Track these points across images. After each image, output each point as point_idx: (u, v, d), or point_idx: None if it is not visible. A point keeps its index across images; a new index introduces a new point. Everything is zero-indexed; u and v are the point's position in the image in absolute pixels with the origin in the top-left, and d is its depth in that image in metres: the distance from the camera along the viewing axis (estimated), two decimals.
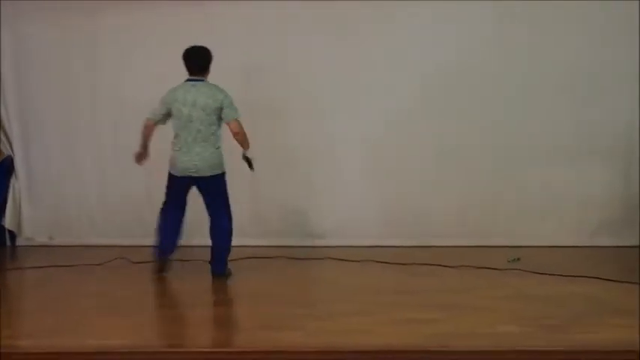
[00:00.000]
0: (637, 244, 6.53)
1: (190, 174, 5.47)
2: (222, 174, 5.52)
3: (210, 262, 5.62)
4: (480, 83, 6.71)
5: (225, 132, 5.57)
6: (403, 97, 6.79)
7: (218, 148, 5.48)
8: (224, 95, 5.43)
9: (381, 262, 6.02)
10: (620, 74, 6.62)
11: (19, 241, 7.19)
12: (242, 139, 5.39)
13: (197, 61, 5.55)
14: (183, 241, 6.91)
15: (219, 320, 4.52)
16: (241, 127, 5.39)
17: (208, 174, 5.44)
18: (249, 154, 5.42)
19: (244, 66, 6.76)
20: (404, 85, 6.78)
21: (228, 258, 5.62)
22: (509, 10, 6.65)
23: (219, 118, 5.43)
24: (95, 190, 7.16)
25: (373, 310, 4.52)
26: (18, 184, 7.20)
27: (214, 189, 5.50)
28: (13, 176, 7.18)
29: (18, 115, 7.16)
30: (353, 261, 6.10)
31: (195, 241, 6.71)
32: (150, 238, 6.96)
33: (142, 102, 7.01)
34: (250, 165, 5.45)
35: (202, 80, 5.53)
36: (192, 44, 5.65)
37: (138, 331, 4.15)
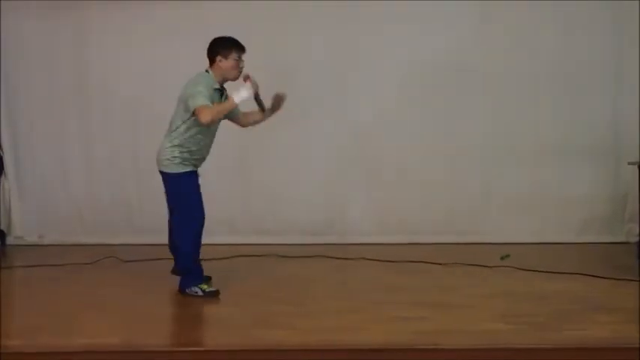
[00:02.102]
0: (623, 240, 6.60)
1: None
2: (167, 174, 4.93)
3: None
4: (466, 83, 6.77)
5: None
6: (390, 96, 6.83)
7: (173, 145, 4.88)
8: (192, 84, 4.82)
9: (371, 260, 6.05)
10: (603, 73, 6.69)
11: (9, 240, 7.17)
12: (214, 116, 4.73)
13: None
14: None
15: (209, 319, 4.53)
16: (207, 111, 4.68)
17: (158, 168, 4.98)
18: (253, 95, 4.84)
19: None
20: (391, 84, 6.82)
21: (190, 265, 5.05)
22: (493, 10, 6.70)
23: (187, 112, 4.81)
24: (84, 188, 7.16)
25: (363, 308, 4.54)
26: (7, 184, 7.19)
27: (164, 184, 5.01)
28: (3, 175, 7.16)
29: (7, 114, 7.14)
30: (344, 259, 6.13)
31: None
32: (139, 236, 6.98)
33: (132, 101, 7.05)
34: (260, 104, 4.99)
35: (206, 70, 4.97)
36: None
37: (128, 330, 4.15)
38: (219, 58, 4.85)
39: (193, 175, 5.00)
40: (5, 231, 7.17)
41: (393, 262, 5.96)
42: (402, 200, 6.88)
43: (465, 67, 6.73)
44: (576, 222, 6.74)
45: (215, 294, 4.90)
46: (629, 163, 5.99)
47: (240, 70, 4.88)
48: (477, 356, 3.72)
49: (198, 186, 5.04)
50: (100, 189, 7.15)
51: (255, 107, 5.10)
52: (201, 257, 6.01)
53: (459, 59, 6.72)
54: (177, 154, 4.88)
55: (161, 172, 4.95)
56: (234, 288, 5.23)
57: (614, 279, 5.18)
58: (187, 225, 5.00)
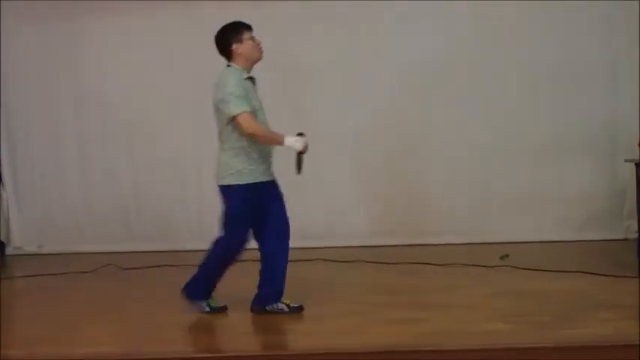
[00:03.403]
0: (623, 237, 6.60)
1: None
2: (226, 187, 4.43)
3: None
4: (464, 83, 6.76)
5: None
6: (387, 96, 6.83)
7: (233, 154, 4.41)
8: (221, 86, 4.41)
9: (371, 262, 6.04)
10: (600, 72, 6.70)
11: (8, 251, 7.18)
12: (257, 132, 4.31)
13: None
14: (173, 245, 6.95)
15: (209, 325, 4.52)
16: (246, 124, 4.29)
17: (217, 183, 4.53)
18: (299, 150, 4.38)
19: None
20: (390, 85, 6.82)
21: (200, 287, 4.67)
22: (487, 9, 6.70)
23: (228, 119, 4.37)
24: (83, 197, 7.16)
25: (363, 311, 4.54)
26: (6, 194, 7.19)
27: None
28: (1, 186, 7.16)
29: (4, 125, 7.15)
30: (343, 261, 6.12)
31: (187, 246, 6.73)
32: (138, 244, 6.98)
33: (128, 109, 7.05)
34: (299, 166, 4.44)
35: (229, 65, 4.51)
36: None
37: (129, 339, 4.15)
38: (234, 46, 4.44)
39: (252, 188, 4.42)
40: (4, 241, 7.16)
41: (392, 263, 5.95)
42: (401, 201, 6.87)
43: (464, 68, 6.73)
44: (575, 220, 6.74)
45: (223, 309, 4.66)
46: (627, 161, 5.99)
47: (259, 46, 4.50)
48: (478, 357, 3.71)
49: (252, 208, 4.45)
50: (98, 198, 7.15)
51: None
52: (197, 263, 6.02)
53: (458, 60, 6.72)
54: (233, 163, 4.40)
55: (219, 187, 4.49)
56: (233, 293, 5.22)
57: (614, 276, 5.18)
58: (223, 246, 4.52)
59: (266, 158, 4.49)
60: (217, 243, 4.54)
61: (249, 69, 4.49)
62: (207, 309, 4.62)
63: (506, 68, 6.75)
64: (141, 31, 6.93)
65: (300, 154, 4.40)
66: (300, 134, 4.45)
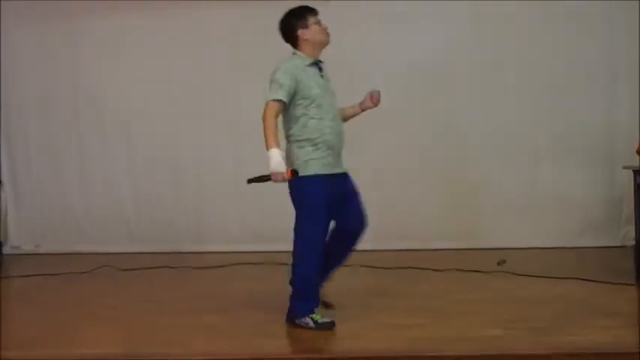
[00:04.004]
0: (620, 244, 6.60)
1: None
2: (292, 173, 4.11)
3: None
4: (463, 86, 6.77)
5: None
6: (385, 96, 6.80)
7: (291, 142, 4.27)
8: (274, 71, 4.25)
9: (368, 267, 6.04)
10: (599, 77, 6.70)
11: (6, 250, 7.17)
12: (267, 122, 4.13)
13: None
14: (171, 247, 6.95)
15: (207, 328, 4.52)
16: (266, 111, 4.15)
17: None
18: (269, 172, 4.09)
19: (231, 67, 6.80)
20: (387, 87, 6.78)
21: (299, 291, 4.36)
22: (487, 11, 6.71)
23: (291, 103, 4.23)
24: (81, 197, 7.17)
25: (360, 315, 4.53)
26: (4, 193, 7.19)
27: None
28: None
29: (3, 124, 7.15)
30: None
31: (186, 248, 6.73)
32: (136, 245, 6.96)
33: (127, 110, 7.05)
34: (256, 179, 4.19)
35: (294, 52, 4.40)
36: None
37: (126, 340, 4.14)
38: (300, 31, 4.29)
39: (321, 181, 4.24)
40: (2, 240, 7.16)
41: (390, 268, 5.95)
42: (398, 206, 6.87)
43: (463, 71, 6.74)
44: (573, 226, 6.75)
45: (331, 325, 4.24)
46: (625, 168, 6.00)
47: (325, 30, 4.34)
48: None
49: (326, 194, 4.25)
50: (96, 198, 7.15)
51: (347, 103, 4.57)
52: (197, 265, 6.01)
53: (456, 61, 6.73)
54: (295, 150, 4.25)
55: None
56: (231, 296, 5.22)
57: (612, 283, 5.18)
58: (303, 243, 4.30)
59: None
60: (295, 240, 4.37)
61: (316, 54, 4.36)
62: (312, 324, 4.24)
63: (506, 74, 6.76)
64: (140, 32, 6.94)
65: (266, 176, 4.11)
66: (293, 173, 4.10)
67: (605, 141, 6.78)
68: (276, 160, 4.04)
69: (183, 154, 7.09)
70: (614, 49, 6.71)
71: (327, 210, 4.28)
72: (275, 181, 4.09)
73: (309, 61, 4.31)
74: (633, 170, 5.71)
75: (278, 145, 4.09)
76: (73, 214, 7.17)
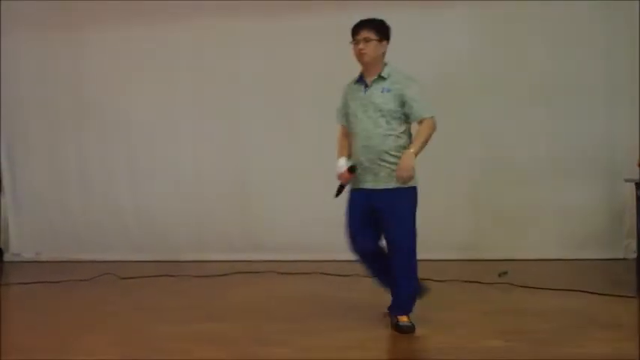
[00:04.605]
0: (622, 256, 6.59)
1: None
2: (349, 170, 4.78)
3: None
4: (463, 98, 6.75)
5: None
6: None
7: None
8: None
9: (369, 277, 6.01)
10: (600, 89, 6.69)
11: (6, 257, 7.18)
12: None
13: None
14: (171, 255, 6.94)
15: (207, 336, 4.51)
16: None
17: None
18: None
19: (231, 77, 6.81)
20: None
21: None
22: (485, 24, 6.71)
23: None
24: (81, 206, 7.17)
25: (362, 326, 4.53)
26: (5, 201, 7.19)
27: None
28: (0, 193, 7.17)
29: (4, 131, 7.16)
30: (342, 275, 6.11)
31: (186, 257, 6.72)
32: (136, 254, 6.96)
33: (127, 117, 7.07)
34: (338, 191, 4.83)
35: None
36: None
37: (126, 348, 4.14)
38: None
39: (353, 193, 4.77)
40: (2, 248, 7.16)
41: None
42: None
43: (461, 84, 6.73)
44: (575, 238, 6.72)
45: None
46: (626, 180, 5.99)
47: (357, 50, 4.52)
48: None
49: (353, 205, 4.79)
50: (96, 206, 7.15)
51: None
52: (197, 274, 6.00)
53: (455, 74, 6.72)
54: None
55: None
56: (232, 305, 5.21)
57: (614, 295, 5.17)
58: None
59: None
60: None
61: (364, 72, 4.60)
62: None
63: (505, 86, 6.74)
64: (141, 40, 6.96)
65: (341, 187, 4.76)
66: (353, 168, 4.65)
67: (606, 154, 6.75)
68: (339, 163, 4.73)
69: (184, 163, 7.09)
70: (614, 60, 6.69)
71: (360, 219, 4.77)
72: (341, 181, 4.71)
73: (356, 78, 4.68)
74: (635, 183, 5.71)
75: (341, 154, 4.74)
76: (74, 222, 7.18)
